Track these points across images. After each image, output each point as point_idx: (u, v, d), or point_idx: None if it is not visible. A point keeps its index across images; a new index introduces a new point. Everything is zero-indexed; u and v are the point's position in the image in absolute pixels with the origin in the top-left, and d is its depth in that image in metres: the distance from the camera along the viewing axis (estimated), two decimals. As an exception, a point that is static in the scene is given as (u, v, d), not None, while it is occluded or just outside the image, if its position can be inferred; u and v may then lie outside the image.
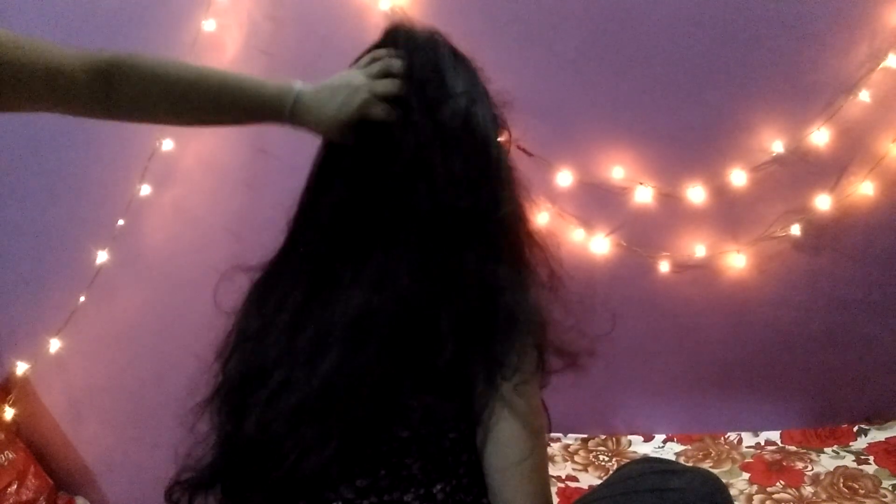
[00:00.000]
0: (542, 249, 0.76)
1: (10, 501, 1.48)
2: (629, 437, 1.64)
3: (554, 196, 1.58)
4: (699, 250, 1.57)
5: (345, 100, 0.74)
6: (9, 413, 1.58)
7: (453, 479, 0.71)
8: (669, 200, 1.56)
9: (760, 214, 1.54)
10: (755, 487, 1.40)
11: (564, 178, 1.57)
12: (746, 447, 1.56)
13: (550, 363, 0.71)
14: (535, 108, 1.54)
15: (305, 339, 0.71)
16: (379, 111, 0.74)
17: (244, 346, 0.75)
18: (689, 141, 1.55)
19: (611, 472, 1.26)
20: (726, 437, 1.60)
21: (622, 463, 1.43)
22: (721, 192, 1.54)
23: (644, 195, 1.56)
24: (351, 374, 0.68)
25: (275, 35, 1.53)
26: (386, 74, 0.76)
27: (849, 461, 1.44)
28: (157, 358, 1.60)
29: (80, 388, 1.64)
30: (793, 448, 1.52)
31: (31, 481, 1.53)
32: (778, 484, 1.40)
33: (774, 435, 1.58)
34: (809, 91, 1.48)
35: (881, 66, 1.43)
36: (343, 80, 0.75)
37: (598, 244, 1.59)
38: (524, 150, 1.55)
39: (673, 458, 1.52)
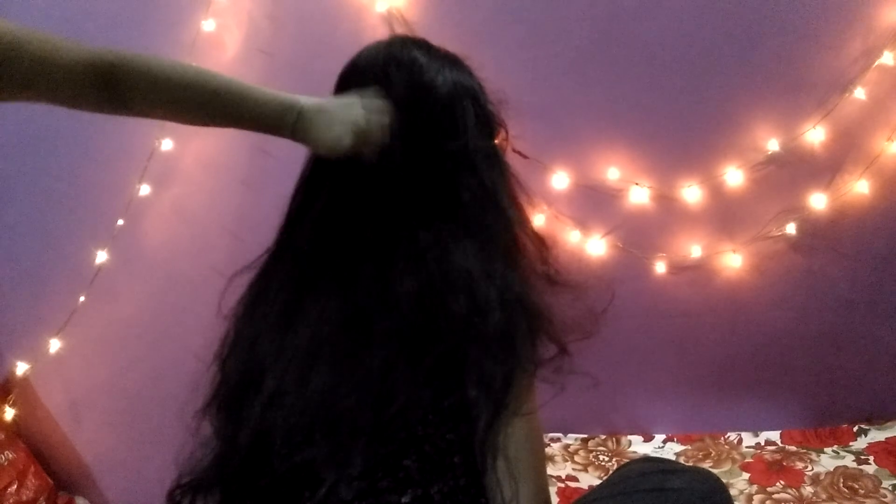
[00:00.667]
0: (543, 248, 0.76)
1: (10, 501, 1.48)
2: (629, 437, 1.64)
3: (550, 198, 1.58)
4: (695, 250, 1.57)
5: (340, 133, 0.73)
6: (9, 413, 1.58)
7: (451, 479, 0.71)
8: (665, 201, 1.56)
9: (756, 214, 1.54)
10: (755, 487, 1.40)
11: (560, 180, 1.57)
12: (746, 447, 1.56)
13: (549, 359, 0.71)
14: (531, 110, 1.53)
15: (299, 343, 0.71)
16: (368, 152, 0.74)
17: (239, 350, 0.75)
18: (684, 141, 1.55)
19: (611, 472, 1.26)
20: (726, 437, 1.60)
21: (622, 463, 1.43)
22: (716, 192, 1.54)
23: (640, 196, 1.57)
24: (346, 379, 0.68)
25: (274, 35, 1.53)
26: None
27: (849, 461, 1.44)
28: (157, 358, 1.60)
29: (80, 388, 1.64)
30: (793, 448, 1.52)
31: (31, 481, 1.53)
32: (778, 484, 1.40)
33: (774, 435, 1.57)
34: (804, 89, 1.48)
35: (876, 63, 1.43)
36: (344, 112, 0.74)
37: (594, 246, 1.59)
38: (520, 153, 1.55)
39: (673, 458, 1.52)
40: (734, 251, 1.56)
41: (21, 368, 1.61)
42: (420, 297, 0.68)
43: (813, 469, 1.43)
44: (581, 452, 1.61)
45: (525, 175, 1.54)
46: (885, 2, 1.42)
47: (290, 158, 0.81)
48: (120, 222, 1.58)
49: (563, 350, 0.71)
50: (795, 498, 1.35)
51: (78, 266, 1.58)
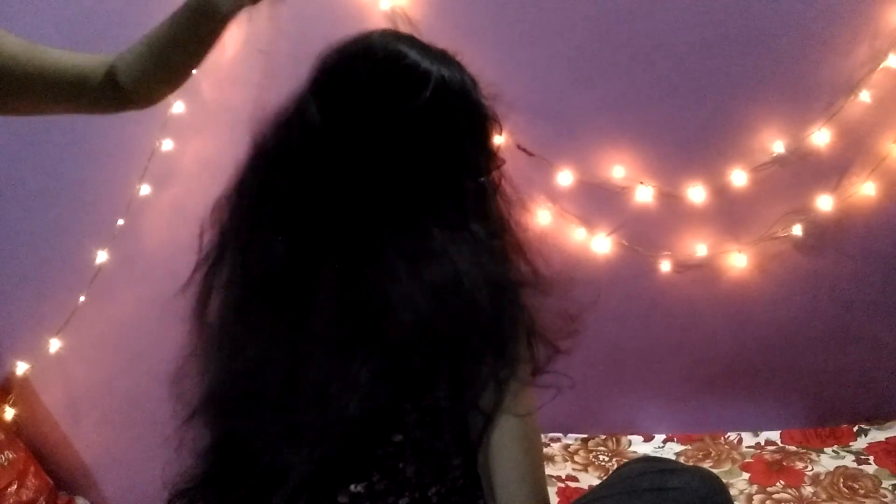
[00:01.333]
0: (531, 253, 0.74)
1: (10, 501, 1.48)
2: (629, 437, 1.64)
3: (555, 196, 1.58)
4: (700, 250, 1.57)
5: None
6: (9, 413, 1.58)
7: (448, 481, 0.72)
8: (670, 200, 1.56)
9: (762, 214, 1.54)
10: (755, 487, 1.40)
11: (565, 177, 1.57)
12: (746, 447, 1.56)
13: (544, 359, 0.70)
14: (536, 107, 1.54)
15: (286, 348, 0.69)
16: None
17: (223, 357, 0.73)
18: (689, 141, 1.55)
19: (611, 472, 1.26)
20: (726, 437, 1.60)
21: (622, 463, 1.43)
22: (722, 192, 1.54)
23: (645, 195, 1.56)
24: (335, 384, 0.67)
25: (274, 35, 1.53)
26: None
27: (849, 461, 1.44)
28: (157, 358, 1.60)
29: (80, 388, 1.64)
30: (793, 448, 1.52)
31: (31, 481, 1.53)
32: (778, 484, 1.40)
33: (774, 435, 1.58)
34: (810, 91, 1.48)
35: (882, 66, 1.43)
36: None
37: (599, 244, 1.59)
38: (525, 150, 1.55)
39: (673, 458, 1.52)
40: (739, 251, 1.55)
41: (21, 368, 1.60)
42: (412, 300, 0.67)
43: (813, 469, 1.43)
44: (581, 452, 1.61)
45: (530, 172, 1.55)
46: (891, 4, 1.41)
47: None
48: (120, 222, 1.57)
49: (556, 350, 0.71)
50: (795, 498, 1.35)
51: (78, 266, 1.58)
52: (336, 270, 0.70)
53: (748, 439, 1.58)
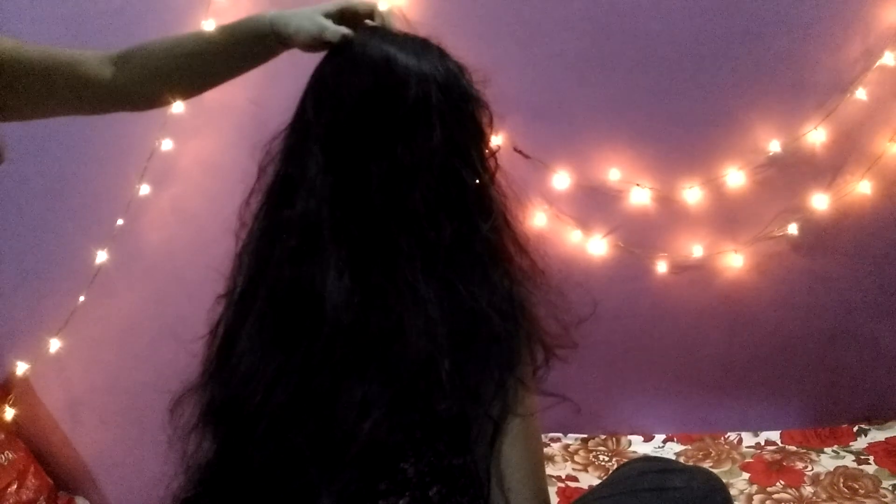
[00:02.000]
0: (530, 255, 0.74)
1: (10, 501, 1.48)
2: (629, 437, 1.64)
3: (551, 198, 1.58)
4: (697, 251, 1.57)
5: (319, 22, 0.78)
6: (9, 413, 1.57)
7: (449, 482, 0.71)
8: (666, 201, 1.56)
9: (757, 214, 1.54)
10: (755, 487, 1.40)
11: (561, 179, 1.57)
12: (746, 447, 1.56)
13: (546, 364, 0.70)
14: (533, 109, 1.54)
15: (295, 358, 0.68)
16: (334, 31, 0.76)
17: (230, 364, 0.72)
18: (685, 141, 1.55)
19: (611, 472, 1.26)
20: (726, 437, 1.60)
21: (622, 463, 1.43)
22: (718, 193, 1.54)
23: (641, 196, 1.56)
24: (350, 404, 0.66)
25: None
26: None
27: (849, 461, 1.44)
28: (157, 358, 1.60)
29: (80, 388, 1.64)
30: (793, 448, 1.52)
31: (31, 481, 1.53)
32: (778, 484, 1.40)
33: (774, 435, 1.58)
34: (805, 90, 1.48)
35: (877, 64, 1.44)
36: (307, 11, 0.80)
37: (595, 245, 1.59)
38: (521, 153, 1.55)
39: (673, 458, 1.52)
40: (735, 251, 1.56)
41: (21, 368, 1.60)
42: (426, 320, 0.66)
43: (813, 469, 1.43)
44: (581, 452, 1.61)
45: (526, 174, 1.55)
46: (885, 2, 1.42)
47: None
48: (120, 222, 1.58)
49: (555, 356, 0.71)
50: (795, 498, 1.35)
51: (78, 266, 1.57)
52: (347, 284, 0.68)
53: (748, 439, 1.58)
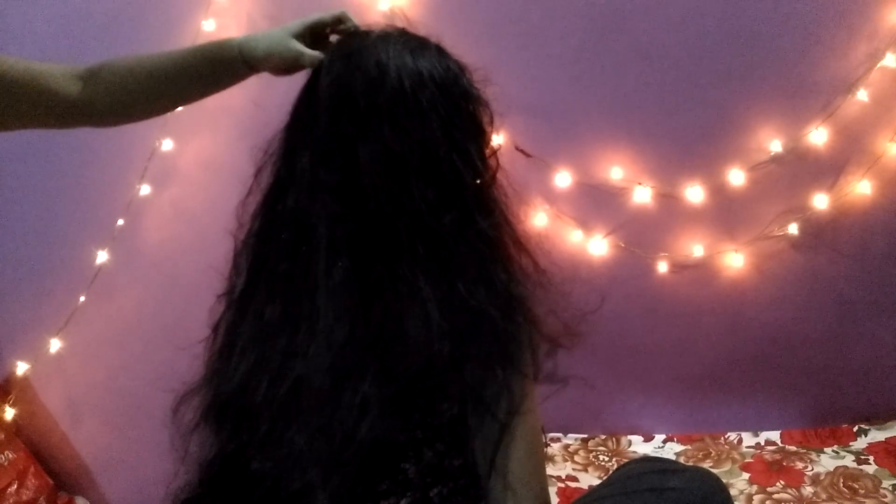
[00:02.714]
0: (530, 253, 0.73)
1: (10, 501, 1.48)
2: (629, 437, 1.64)
3: (552, 197, 1.58)
4: (697, 250, 1.57)
5: (289, 46, 0.78)
6: (9, 413, 1.57)
7: (450, 482, 0.71)
8: (667, 201, 1.56)
9: (758, 214, 1.54)
10: (755, 487, 1.40)
11: (563, 178, 1.57)
12: (746, 447, 1.56)
13: (547, 361, 0.70)
14: (534, 108, 1.54)
15: (297, 358, 0.68)
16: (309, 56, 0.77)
17: (232, 365, 0.72)
18: (687, 141, 1.55)
19: (611, 472, 1.26)
20: (726, 437, 1.60)
21: (622, 463, 1.43)
22: (719, 192, 1.54)
23: (642, 195, 1.56)
24: (350, 405, 0.66)
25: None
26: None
27: (849, 461, 1.44)
28: (157, 358, 1.60)
29: (80, 388, 1.64)
30: (793, 448, 1.52)
31: (31, 481, 1.53)
32: (778, 484, 1.40)
33: (774, 435, 1.58)
34: (807, 90, 1.48)
35: (879, 65, 1.44)
36: (276, 32, 0.80)
37: (596, 245, 1.59)
38: (523, 152, 1.55)
39: (673, 458, 1.52)
40: (736, 251, 1.55)
41: (21, 368, 1.60)
42: (427, 321, 0.66)
43: (813, 469, 1.43)
44: (581, 452, 1.61)
45: (528, 173, 1.55)
46: (888, 4, 1.42)
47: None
48: (120, 222, 1.58)
49: (559, 346, 0.71)
50: (795, 498, 1.35)
51: (78, 266, 1.58)
52: (345, 278, 0.68)
53: (748, 439, 1.58)
